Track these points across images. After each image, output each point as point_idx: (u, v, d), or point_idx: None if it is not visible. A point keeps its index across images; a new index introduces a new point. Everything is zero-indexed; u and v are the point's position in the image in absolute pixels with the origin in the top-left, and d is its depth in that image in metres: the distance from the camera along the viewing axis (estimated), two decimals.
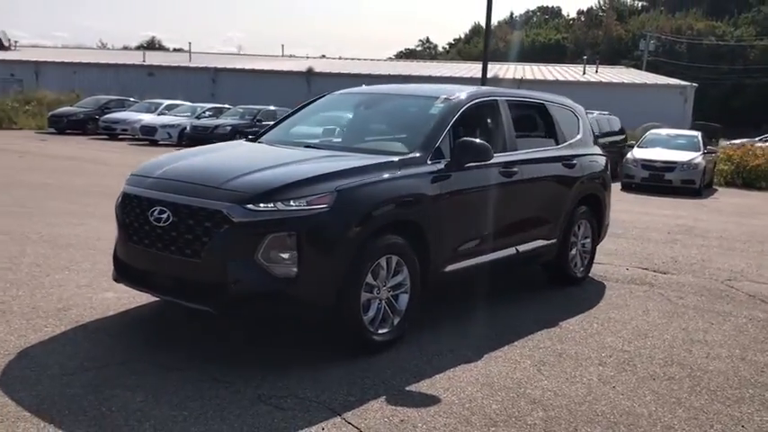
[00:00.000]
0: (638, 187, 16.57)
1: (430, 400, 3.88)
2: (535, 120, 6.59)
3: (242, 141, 6.03)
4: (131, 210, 4.50)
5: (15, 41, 54.38)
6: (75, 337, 4.57)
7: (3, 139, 22.54)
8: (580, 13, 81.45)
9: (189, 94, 33.21)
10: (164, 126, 25.01)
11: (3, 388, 3.74)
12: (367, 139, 5.70)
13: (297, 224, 4.08)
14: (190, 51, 52.55)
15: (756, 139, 32.00)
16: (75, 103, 29.65)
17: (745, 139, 30.00)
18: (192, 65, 45.75)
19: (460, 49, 77.54)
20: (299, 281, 4.09)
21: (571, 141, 6.67)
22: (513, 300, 6.05)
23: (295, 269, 4.07)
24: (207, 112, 27.08)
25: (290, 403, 3.73)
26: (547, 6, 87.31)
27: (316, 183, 4.26)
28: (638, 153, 17.30)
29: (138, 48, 70.84)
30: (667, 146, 17.76)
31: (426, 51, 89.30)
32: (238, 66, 44.86)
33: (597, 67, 44.64)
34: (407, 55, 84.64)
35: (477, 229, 5.39)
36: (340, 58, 58.03)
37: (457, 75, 39.69)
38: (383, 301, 4.53)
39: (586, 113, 7.43)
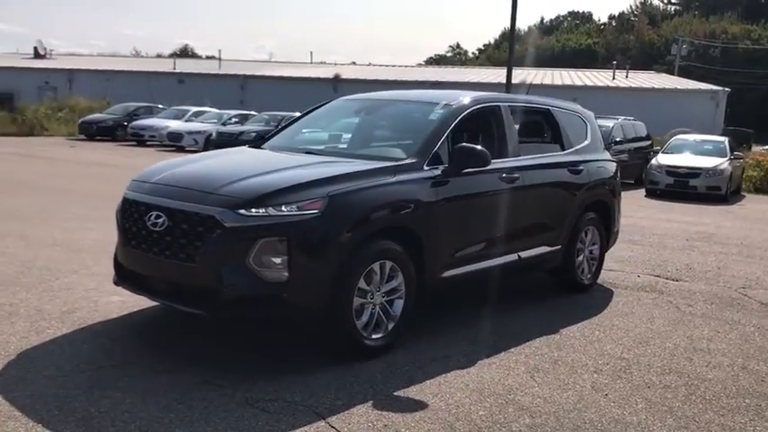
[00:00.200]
0: (662, 194, 16.32)
1: (417, 406, 3.88)
2: (540, 125, 6.56)
3: (244, 148, 6.11)
4: (130, 214, 4.61)
5: (51, 50, 55.52)
6: (75, 340, 4.66)
7: (33, 145, 23.11)
8: (611, 17, 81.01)
9: (218, 101, 33.53)
10: (190, 132, 25.41)
11: None
12: (372, 145, 5.76)
13: (288, 229, 4.13)
14: (219, 59, 53.22)
15: None
16: (105, 110, 30.24)
17: None
18: (221, 72, 46.34)
19: (490, 55, 77.21)
20: (291, 285, 4.13)
21: (578, 147, 6.61)
22: (516, 306, 6.00)
23: (286, 274, 4.12)
24: (233, 119, 27.44)
25: (276, 407, 3.76)
26: (577, 11, 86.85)
27: (307, 188, 4.30)
28: (662, 159, 17.03)
29: (171, 55, 71.95)
30: (693, 151, 17.46)
31: (456, 57, 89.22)
32: (267, 73, 45.28)
33: (627, 73, 44.17)
34: (437, 61, 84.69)
35: (477, 235, 5.37)
36: (369, 65, 58.27)
37: (485, 80, 39.49)
38: (377, 307, 4.54)
39: (611, 119, 7.37)
